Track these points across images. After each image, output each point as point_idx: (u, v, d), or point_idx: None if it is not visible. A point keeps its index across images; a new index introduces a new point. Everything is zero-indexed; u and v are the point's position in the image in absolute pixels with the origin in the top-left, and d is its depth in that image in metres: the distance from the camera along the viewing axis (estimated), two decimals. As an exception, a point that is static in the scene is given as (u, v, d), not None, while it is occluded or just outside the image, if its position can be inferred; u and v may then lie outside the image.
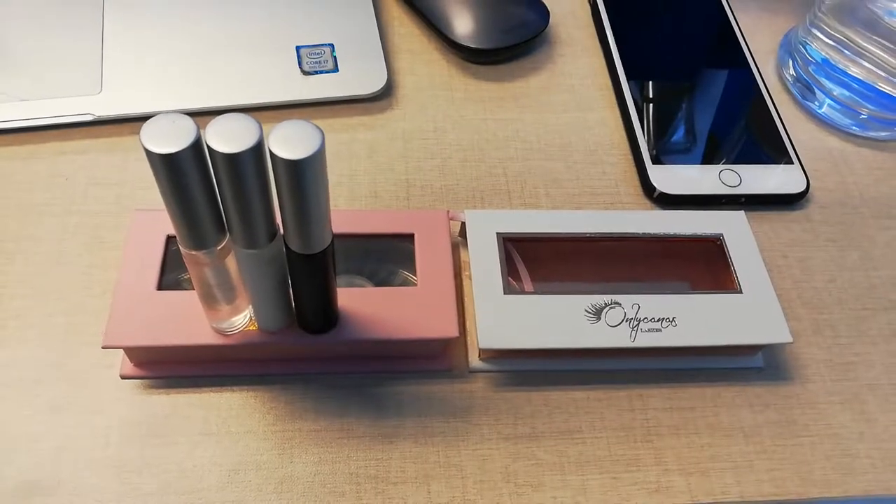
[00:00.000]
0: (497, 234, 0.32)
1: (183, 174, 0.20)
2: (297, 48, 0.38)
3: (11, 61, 0.36)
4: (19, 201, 0.33)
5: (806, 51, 0.41)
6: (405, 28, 0.42)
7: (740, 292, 0.31)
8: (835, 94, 0.39)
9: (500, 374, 0.30)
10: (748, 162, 0.37)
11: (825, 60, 0.40)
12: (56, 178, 0.34)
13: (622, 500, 0.28)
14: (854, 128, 0.40)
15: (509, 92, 0.40)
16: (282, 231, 0.24)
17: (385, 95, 0.39)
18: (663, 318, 0.30)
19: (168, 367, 0.29)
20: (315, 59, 0.38)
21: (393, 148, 0.37)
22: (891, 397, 0.31)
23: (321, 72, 0.37)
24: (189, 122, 0.20)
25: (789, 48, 0.42)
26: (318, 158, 0.20)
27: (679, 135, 0.38)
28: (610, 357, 0.31)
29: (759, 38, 0.44)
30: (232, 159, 0.20)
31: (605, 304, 0.30)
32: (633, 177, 0.37)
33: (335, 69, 0.38)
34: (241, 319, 0.28)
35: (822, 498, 0.29)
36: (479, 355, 0.30)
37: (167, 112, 0.20)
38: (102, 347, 0.27)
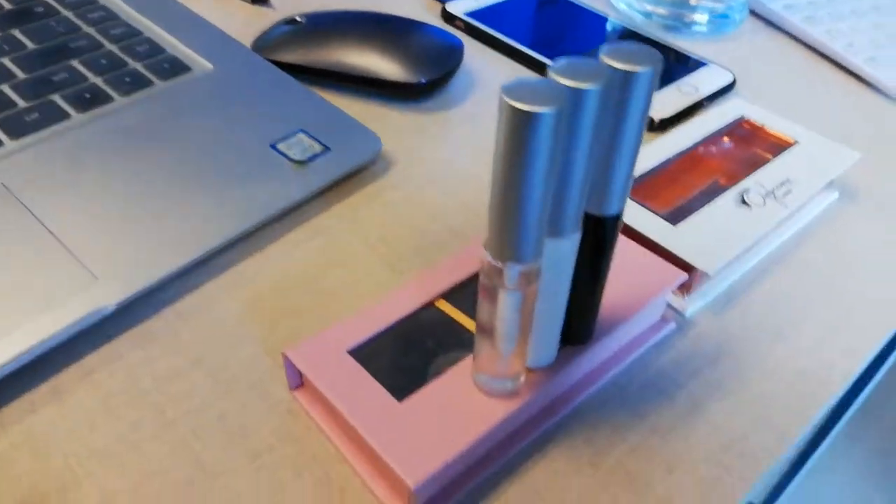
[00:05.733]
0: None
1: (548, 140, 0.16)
2: (273, 146, 0.33)
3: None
4: (104, 445, 0.23)
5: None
6: (327, 95, 0.39)
7: (798, 143, 0.35)
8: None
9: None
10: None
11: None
12: (114, 398, 0.25)
13: None
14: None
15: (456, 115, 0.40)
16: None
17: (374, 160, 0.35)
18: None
19: (453, 489, 0.22)
20: (298, 147, 0.33)
21: (417, 211, 0.34)
22: None
23: (314, 157, 0.33)
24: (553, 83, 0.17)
25: None
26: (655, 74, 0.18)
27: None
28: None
29: None
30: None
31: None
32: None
33: (326, 148, 0.33)
34: (521, 374, 0.23)
35: None
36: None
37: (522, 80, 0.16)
38: (414, 491, 0.20)
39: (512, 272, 0.19)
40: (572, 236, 0.20)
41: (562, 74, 0.17)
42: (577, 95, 0.17)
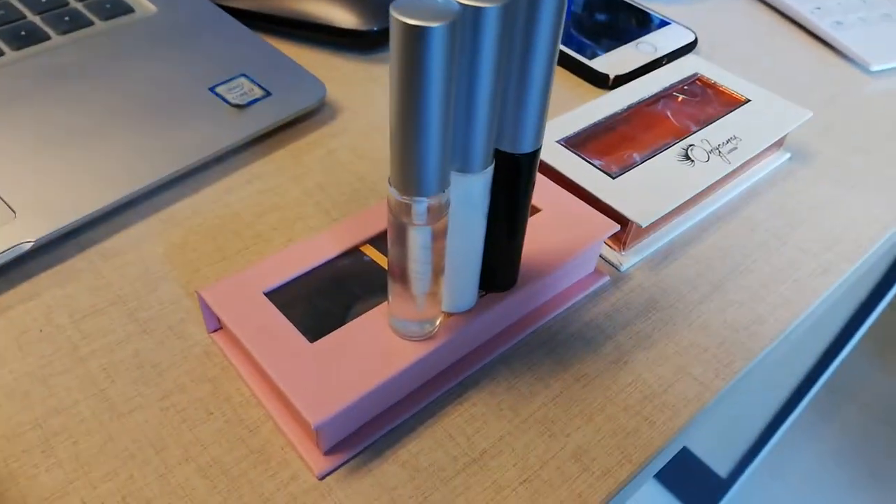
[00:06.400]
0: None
1: (441, 58, 0.16)
2: (212, 89, 0.32)
3: None
4: (13, 380, 0.23)
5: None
6: (277, 43, 0.38)
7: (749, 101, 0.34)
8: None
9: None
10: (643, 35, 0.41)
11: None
12: (27, 335, 0.24)
13: (815, 292, 0.29)
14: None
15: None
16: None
17: (321, 106, 0.35)
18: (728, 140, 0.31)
19: (365, 432, 0.22)
20: (238, 91, 0.32)
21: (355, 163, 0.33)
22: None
23: (254, 101, 0.32)
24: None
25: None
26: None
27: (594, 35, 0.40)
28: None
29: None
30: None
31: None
32: (580, 81, 0.39)
33: (267, 93, 0.33)
34: (437, 318, 0.22)
35: None
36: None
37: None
38: (315, 429, 0.20)
39: (419, 207, 0.19)
40: (483, 172, 0.19)
41: (459, -7, 0.16)
42: (475, 15, 0.16)
